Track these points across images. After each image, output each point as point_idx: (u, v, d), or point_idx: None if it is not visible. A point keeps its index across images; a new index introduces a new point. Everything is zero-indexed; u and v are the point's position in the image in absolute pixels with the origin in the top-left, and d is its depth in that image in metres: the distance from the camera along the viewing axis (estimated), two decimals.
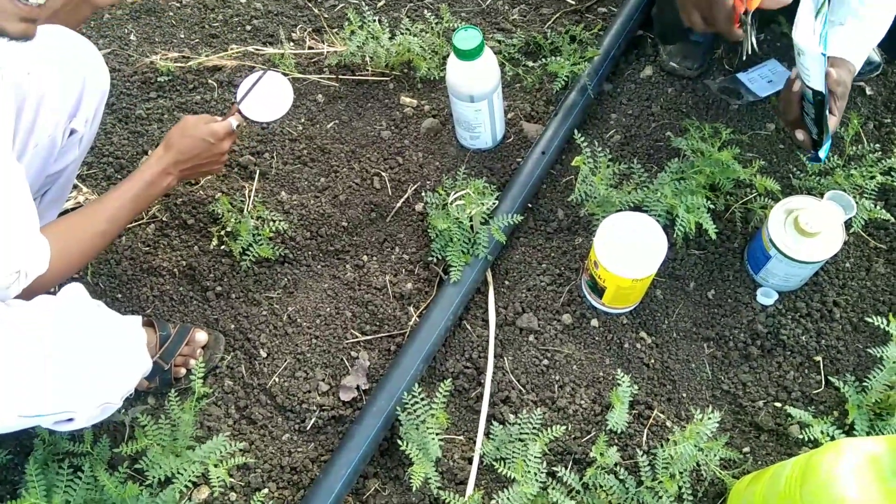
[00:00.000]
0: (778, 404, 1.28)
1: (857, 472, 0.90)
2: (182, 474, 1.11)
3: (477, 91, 1.35)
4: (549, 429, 1.19)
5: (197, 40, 1.69)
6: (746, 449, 1.26)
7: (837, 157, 1.41)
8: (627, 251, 1.22)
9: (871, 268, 1.39)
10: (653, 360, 1.32)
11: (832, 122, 1.14)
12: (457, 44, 1.28)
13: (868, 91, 1.58)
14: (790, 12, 1.65)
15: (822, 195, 1.31)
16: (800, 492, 0.94)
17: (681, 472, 1.16)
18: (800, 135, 1.20)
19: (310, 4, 1.76)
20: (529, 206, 1.47)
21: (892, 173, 1.39)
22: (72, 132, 1.10)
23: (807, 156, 1.18)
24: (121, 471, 1.16)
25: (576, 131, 1.38)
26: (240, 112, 1.25)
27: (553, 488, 1.15)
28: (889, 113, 1.56)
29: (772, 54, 1.63)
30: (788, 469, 1.00)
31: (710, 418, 1.15)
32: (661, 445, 1.19)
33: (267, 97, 1.60)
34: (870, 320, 1.28)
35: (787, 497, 0.97)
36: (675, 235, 1.33)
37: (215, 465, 1.12)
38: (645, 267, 1.21)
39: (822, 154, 1.19)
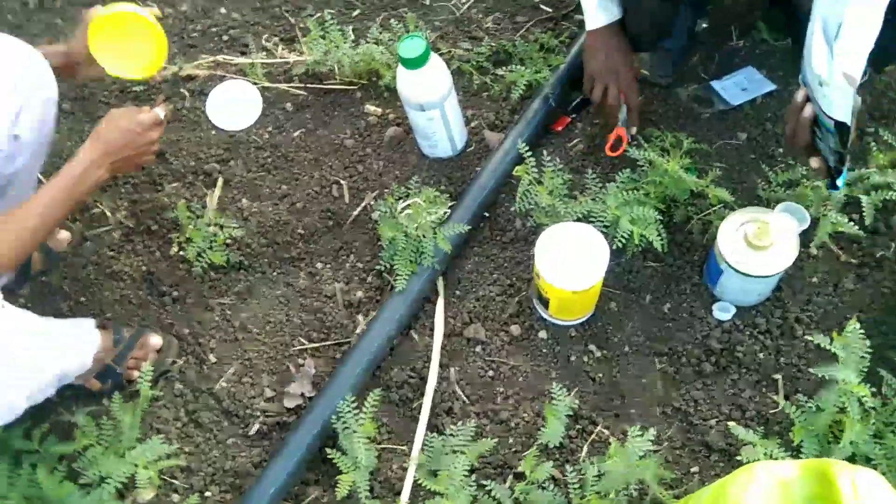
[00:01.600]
0: (732, 423, 1.23)
1: (766, 497, 0.86)
2: (114, 475, 1.14)
3: (426, 99, 1.34)
4: (479, 441, 1.17)
5: (175, 50, 1.74)
6: (695, 468, 1.22)
7: (804, 167, 1.36)
8: (568, 262, 1.19)
9: (839, 283, 1.33)
10: (600, 375, 1.29)
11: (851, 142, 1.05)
12: (401, 52, 1.28)
13: None
14: (770, 18, 1.62)
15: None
16: None
17: (616, 491, 1.12)
18: (815, 163, 1.10)
19: (287, 14, 1.79)
20: (486, 215, 1.45)
21: (859, 184, 1.33)
22: (16, 137, 1.14)
23: (825, 182, 1.10)
24: (59, 470, 1.19)
25: (520, 141, 1.36)
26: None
27: (482, 502, 1.14)
28: (873, 122, 1.49)
29: (750, 61, 1.58)
30: (707, 493, 0.96)
31: (640, 435, 1.11)
32: (600, 462, 1.16)
33: (236, 106, 1.64)
34: (810, 337, 1.22)
35: None
36: (626, 247, 1.30)
37: (144, 467, 1.14)
38: (586, 279, 1.19)
39: (839, 182, 1.09)
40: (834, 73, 0.95)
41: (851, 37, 0.96)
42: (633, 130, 1.42)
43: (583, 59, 1.40)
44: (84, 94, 1.70)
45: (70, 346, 1.22)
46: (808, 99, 1.06)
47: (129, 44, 1.19)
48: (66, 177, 1.13)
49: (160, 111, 1.24)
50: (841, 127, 0.99)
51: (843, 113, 0.98)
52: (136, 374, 1.32)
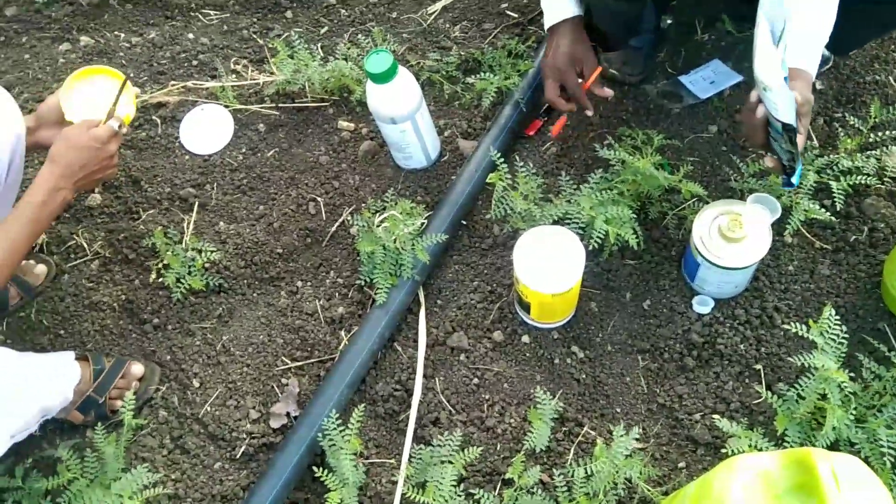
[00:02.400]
0: (716, 417, 1.23)
1: (748, 489, 0.86)
2: None
3: (397, 113, 1.35)
4: (465, 451, 1.17)
5: (145, 78, 1.74)
6: (682, 464, 1.22)
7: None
8: (545, 266, 1.20)
9: (815, 270, 1.34)
10: (584, 375, 1.29)
11: (800, 141, 1.07)
12: (368, 67, 1.29)
13: (818, 86, 1.53)
14: (734, 11, 1.63)
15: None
16: None
17: (605, 491, 1.12)
18: (769, 161, 1.13)
19: (255, 36, 1.79)
20: (464, 223, 1.46)
21: (829, 170, 1.34)
22: None
23: (781, 179, 1.14)
24: None
25: (491, 147, 1.37)
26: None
27: None
28: (840, 107, 1.51)
29: (716, 54, 1.60)
30: (692, 489, 0.96)
31: (624, 434, 1.11)
32: (587, 463, 1.16)
33: (208, 130, 1.64)
34: (788, 326, 1.22)
35: None
36: (604, 247, 1.30)
37: (130, 497, 1.13)
38: (563, 281, 1.19)
39: (794, 180, 1.11)
40: (774, 77, 0.96)
41: (759, 35, 0.98)
42: (609, 92, 1.39)
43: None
44: None
45: (50, 380, 1.21)
46: (760, 99, 1.07)
47: (100, 102, 1.24)
48: (30, 206, 1.12)
49: (114, 123, 1.22)
50: (788, 128, 1.01)
51: (788, 115, 0.99)
52: (119, 403, 1.32)
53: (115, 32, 1.85)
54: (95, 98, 1.26)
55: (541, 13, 1.72)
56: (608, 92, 1.38)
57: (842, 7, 1.27)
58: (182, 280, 1.41)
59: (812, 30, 1.14)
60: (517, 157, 1.48)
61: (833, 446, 1.10)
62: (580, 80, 1.35)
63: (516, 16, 1.74)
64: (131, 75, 1.75)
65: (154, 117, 1.66)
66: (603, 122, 1.53)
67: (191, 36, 1.81)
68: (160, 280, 1.44)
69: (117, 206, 1.56)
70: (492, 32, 1.72)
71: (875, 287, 1.30)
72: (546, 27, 1.36)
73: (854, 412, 1.11)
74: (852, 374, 1.16)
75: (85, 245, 1.51)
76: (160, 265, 1.45)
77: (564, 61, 1.32)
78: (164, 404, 1.34)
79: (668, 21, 1.64)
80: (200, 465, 1.29)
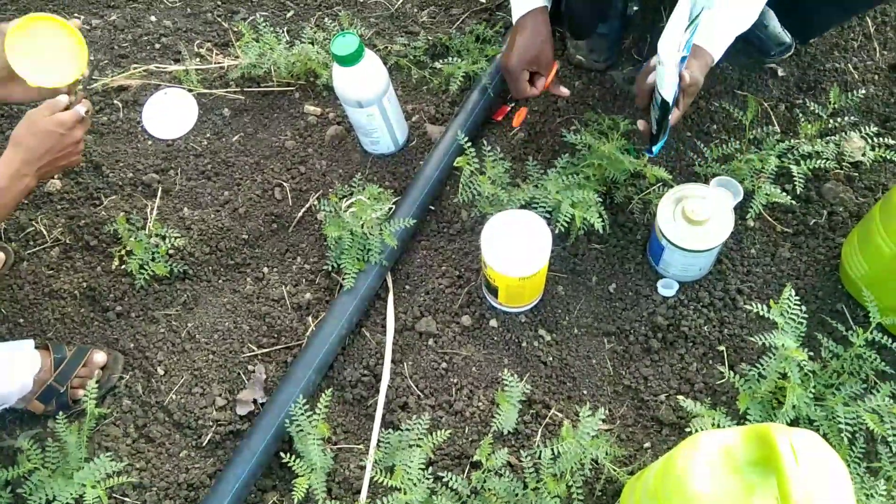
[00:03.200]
0: (681, 397, 1.25)
1: (711, 464, 0.87)
2: (61, 497, 1.11)
3: (363, 96, 1.34)
4: (433, 434, 1.17)
5: (106, 61, 1.70)
6: (647, 444, 1.24)
7: (737, 142, 1.39)
8: (512, 250, 1.20)
9: (776, 253, 1.36)
10: (551, 358, 1.30)
11: (674, 117, 1.16)
12: (335, 50, 1.27)
13: (780, 73, 1.56)
14: None
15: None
16: (661, 488, 0.92)
17: (571, 472, 1.14)
18: (641, 125, 1.22)
19: (219, 20, 1.76)
20: (432, 208, 1.45)
21: (790, 155, 1.37)
22: None
23: (642, 146, 1.24)
24: (3, 496, 1.16)
25: (459, 132, 1.37)
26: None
27: (441, 494, 1.14)
28: (801, 93, 1.54)
29: None
30: (657, 466, 0.98)
31: (590, 415, 1.13)
32: (554, 445, 1.17)
33: (171, 114, 1.61)
34: (749, 307, 1.25)
35: (653, 494, 0.94)
36: (570, 231, 1.31)
37: (92, 487, 1.11)
38: (530, 265, 1.20)
39: (654, 149, 1.22)
40: (669, 56, 1.02)
41: (675, 15, 1.01)
42: (566, 92, 1.39)
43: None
44: (13, 112, 1.65)
45: (8, 369, 1.18)
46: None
47: (48, 52, 1.15)
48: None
49: (81, 108, 1.16)
50: (664, 104, 1.09)
51: (669, 93, 1.07)
52: (81, 392, 1.29)
53: (76, 14, 1.80)
54: (44, 51, 1.16)
55: None
56: (565, 91, 1.39)
57: None
58: (145, 267, 1.39)
59: (731, 16, 1.18)
60: (485, 142, 1.48)
61: (793, 424, 1.12)
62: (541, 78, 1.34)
63: (484, 1, 1.73)
64: (91, 58, 1.71)
65: (115, 101, 1.62)
66: (570, 108, 1.54)
67: (153, 18, 1.77)
68: (123, 267, 1.42)
69: (78, 191, 1.52)
70: (459, 17, 1.71)
71: (834, 269, 1.34)
72: (514, 20, 1.33)
73: (813, 390, 1.14)
74: (811, 354, 1.18)
75: (44, 232, 1.47)
76: (123, 252, 1.42)
77: (520, 62, 1.29)
78: (128, 392, 1.32)
79: (635, 8, 1.65)
80: (166, 454, 1.27)
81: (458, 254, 1.41)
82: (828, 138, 1.39)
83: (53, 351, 1.29)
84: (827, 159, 1.35)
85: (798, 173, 1.32)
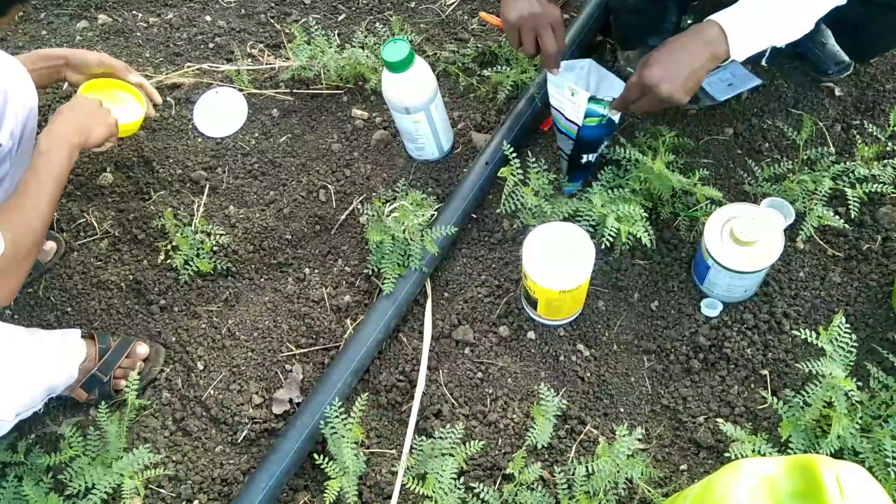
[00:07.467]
0: (720, 420, 1.23)
1: (751, 494, 0.85)
2: (100, 485, 1.13)
3: (411, 102, 1.34)
4: (467, 444, 1.16)
5: (161, 59, 1.74)
6: (684, 466, 1.21)
7: (789, 162, 1.36)
8: (554, 262, 1.19)
9: (826, 277, 1.33)
10: (589, 374, 1.29)
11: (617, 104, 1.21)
12: (385, 56, 1.28)
13: (837, 92, 1.52)
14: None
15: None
16: None
17: (605, 491, 1.12)
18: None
19: (272, 21, 1.79)
20: (474, 216, 1.45)
21: (844, 177, 1.33)
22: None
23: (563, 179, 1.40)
24: (45, 481, 1.19)
25: (505, 142, 1.36)
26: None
27: None
28: (858, 114, 1.49)
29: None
30: (694, 491, 0.95)
31: (627, 434, 1.11)
32: (588, 462, 1.15)
33: (222, 113, 1.64)
34: (796, 332, 1.21)
35: None
36: (614, 245, 1.30)
37: (130, 477, 1.13)
38: (572, 279, 1.18)
39: (566, 188, 1.34)
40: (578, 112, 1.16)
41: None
42: (556, 72, 1.29)
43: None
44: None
45: (57, 358, 1.22)
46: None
47: (113, 107, 1.33)
48: (38, 155, 1.14)
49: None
50: (578, 140, 1.19)
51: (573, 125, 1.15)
52: (123, 383, 1.32)
53: (133, 12, 1.85)
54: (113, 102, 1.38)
55: (561, 7, 1.72)
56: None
57: (864, 14, 1.25)
58: (190, 262, 1.41)
59: (767, 23, 1.10)
60: (529, 153, 1.47)
61: (838, 454, 1.09)
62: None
63: None
64: (147, 56, 1.75)
65: (168, 98, 1.66)
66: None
67: (208, 18, 1.81)
68: (168, 261, 1.44)
69: (128, 185, 1.56)
70: None
71: (886, 297, 1.29)
72: None
73: (860, 421, 1.10)
74: (860, 383, 1.15)
75: (95, 223, 1.51)
76: (169, 247, 1.45)
77: (518, 17, 1.22)
78: (168, 386, 1.34)
79: (689, 21, 1.62)
80: (202, 448, 1.29)
81: (499, 263, 1.41)
82: (885, 161, 1.35)
83: (98, 341, 1.32)
84: (884, 183, 1.31)
85: (853, 196, 1.28)
